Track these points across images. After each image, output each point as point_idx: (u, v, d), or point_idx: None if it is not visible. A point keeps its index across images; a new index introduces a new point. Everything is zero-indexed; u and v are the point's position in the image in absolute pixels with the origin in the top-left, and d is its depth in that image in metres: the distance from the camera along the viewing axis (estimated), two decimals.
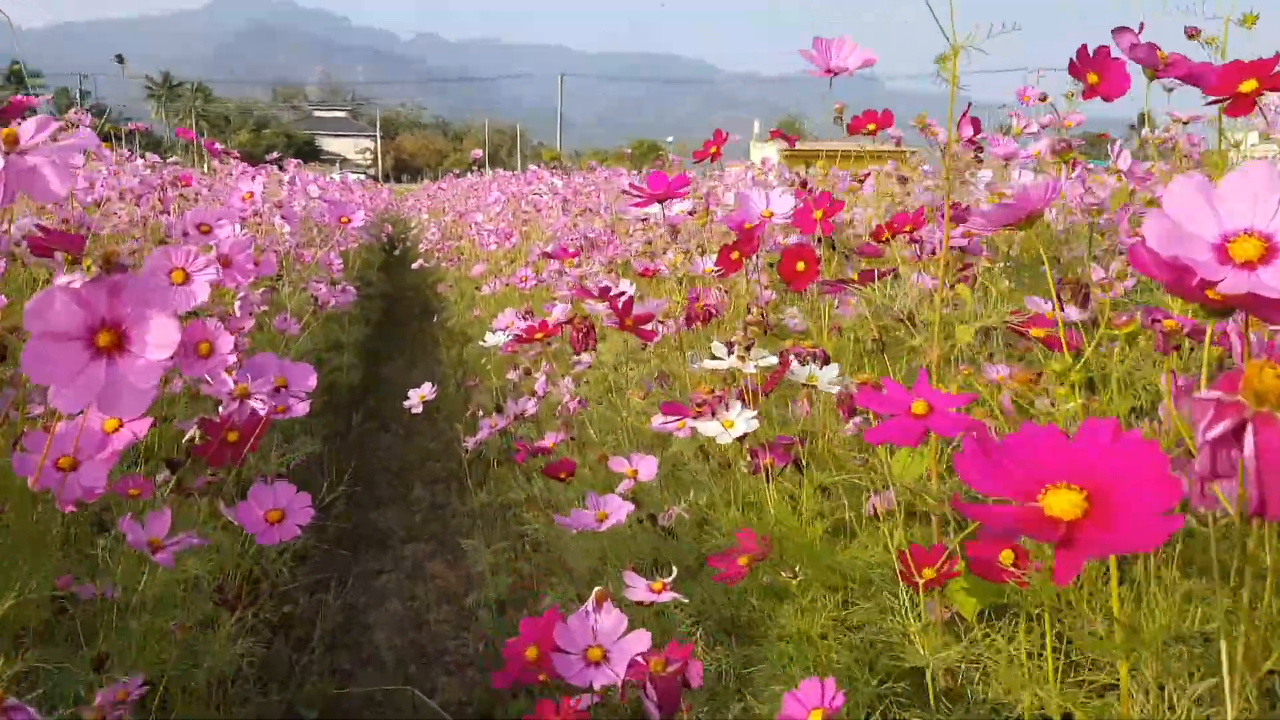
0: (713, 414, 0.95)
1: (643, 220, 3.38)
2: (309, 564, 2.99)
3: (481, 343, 2.45)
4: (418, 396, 2.06)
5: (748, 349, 1.02)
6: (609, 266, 2.70)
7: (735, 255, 1.34)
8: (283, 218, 2.93)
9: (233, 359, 0.99)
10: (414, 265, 6.17)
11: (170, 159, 6.60)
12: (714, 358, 1.05)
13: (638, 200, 1.44)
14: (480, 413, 3.02)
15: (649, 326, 1.48)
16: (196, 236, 2.00)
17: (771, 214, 1.38)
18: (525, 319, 1.95)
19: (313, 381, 1.06)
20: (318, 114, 74.31)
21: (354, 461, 4.02)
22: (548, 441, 1.71)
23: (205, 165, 6.40)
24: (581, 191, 5.09)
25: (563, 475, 1.50)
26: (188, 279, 1.01)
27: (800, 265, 1.29)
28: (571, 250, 2.11)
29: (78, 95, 60.02)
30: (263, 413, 0.97)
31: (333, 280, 3.50)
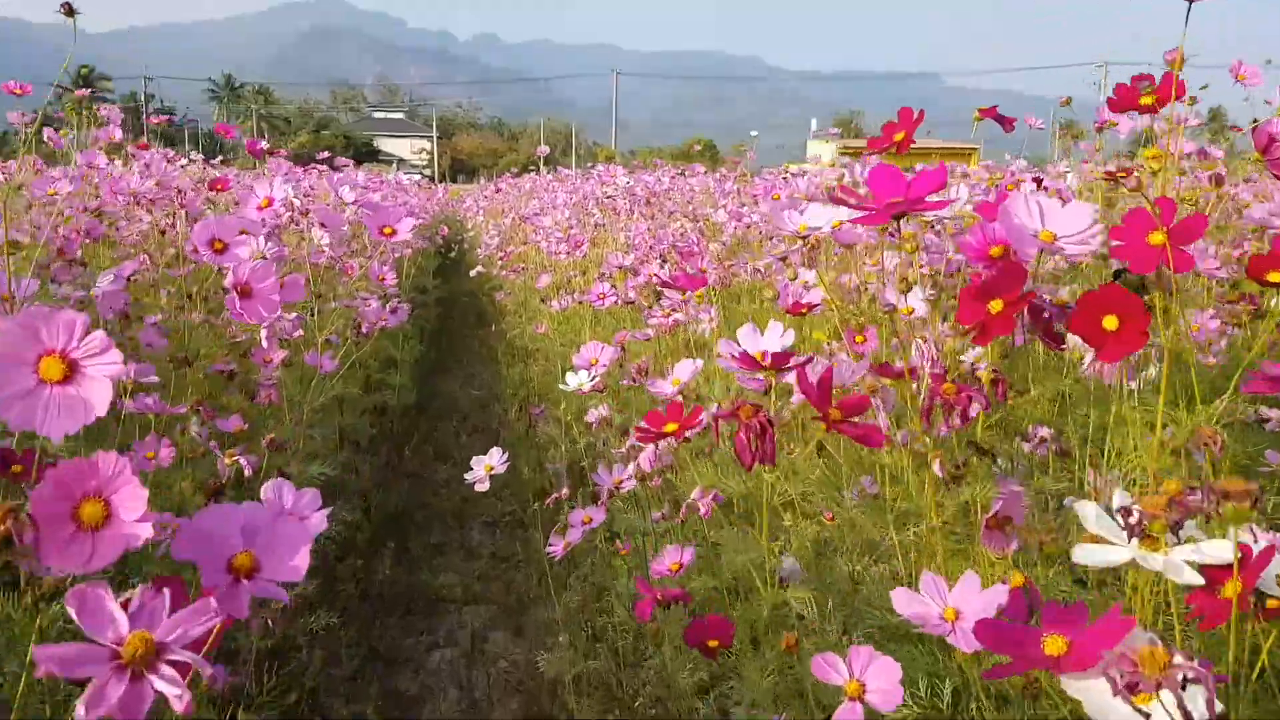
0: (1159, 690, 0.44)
1: (772, 230, 2.86)
2: (350, 630, 2.53)
3: (562, 385, 1.96)
4: (484, 469, 1.57)
5: (1175, 528, 0.51)
6: (709, 293, 2.19)
7: (996, 307, 0.82)
8: (321, 225, 2.46)
9: (146, 531, 0.50)
10: (472, 273, 5.72)
11: (217, 158, 6.24)
12: (1094, 538, 0.54)
13: (866, 214, 0.93)
14: (553, 478, 2.54)
15: (863, 421, 0.95)
16: (209, 255, 1.54)
17: (1054, 236, 0.86)
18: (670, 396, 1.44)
19: (302, 561, 0.56)
20: (376, 115, 74.71)
21: (405, 497, 3.56)
22: (667, 560, 1.21)
23: (264, 167, 6.02)
24: (660, 193, 4.59)
25: (712, 644, 1.00)
26: (71, 373, 0.52)
27: (1111, 321, 0.77)
28: (696, 277, 1.57)
29: (143, 98, 61.23)
30: (181, 706, 0.45)
31: (384, 296, 3.04)
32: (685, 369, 1.29)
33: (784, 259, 1.73)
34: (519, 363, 5.09)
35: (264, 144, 5.63)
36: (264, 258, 2.07)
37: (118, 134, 3.62)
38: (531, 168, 12.51)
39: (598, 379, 1.93)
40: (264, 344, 2.14)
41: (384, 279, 3.22)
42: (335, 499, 2.80)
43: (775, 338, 1.21)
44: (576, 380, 1.94)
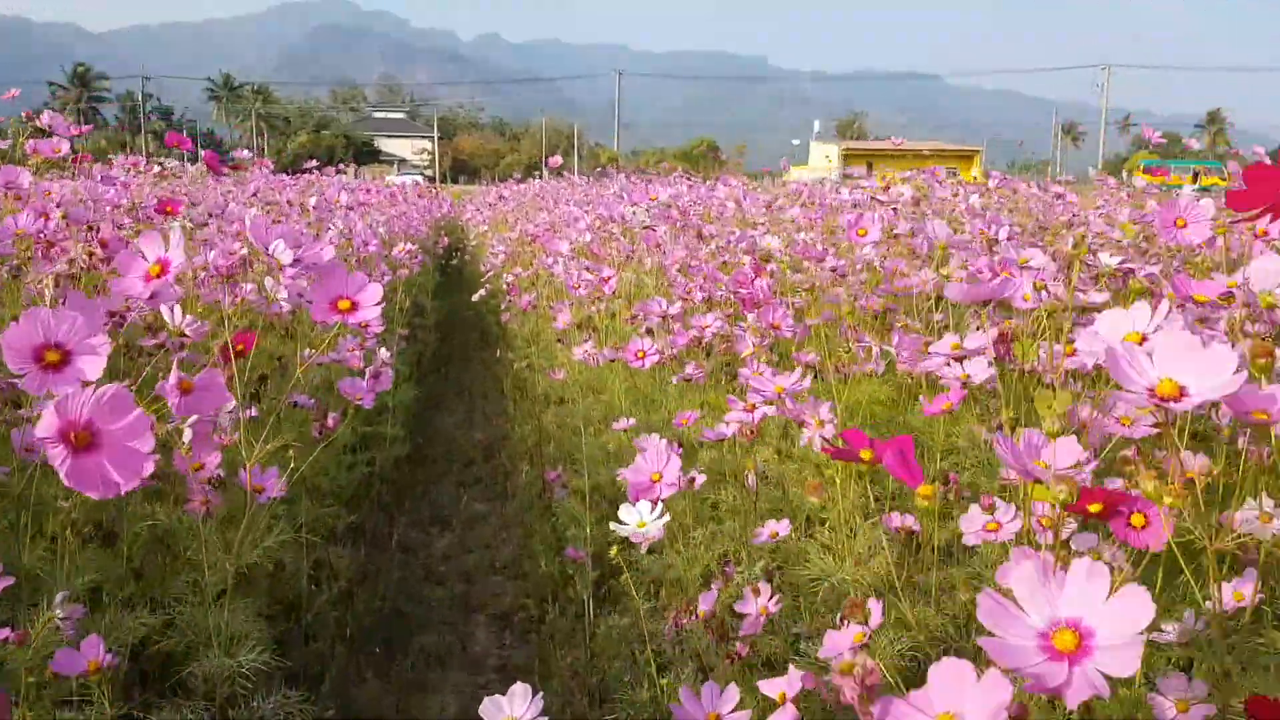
0: None
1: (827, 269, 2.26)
2: None
3: (616, 525, 1.35)
4: None
5: None
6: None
7: None
8: (283, 271, 1.86)
9: None
10: (474, 297, 5.12)
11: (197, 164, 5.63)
12: None
13: None
14: (575, 573, 1.95)
15: None
16: (35, 377, 0.92)
17: None
18: None
19: None
20: (376, 115, 73.88)
21: (395, 585, 2.96)
22: None
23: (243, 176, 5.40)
24: (685, 208, 3.96)
25: None
26: None
27: None
28: (911, 466, 0.94)
29: (140, 97, 60.68)
30: None
31: (366, 357, 2.45)
32: (972, 699, 0.58)
33: (962, 382, 1.11)
34: (526, 400, 4.49)
35: (247, 153, 5.05)
36: (182, 334, 1.48)
37: (64, 147, 2.99)
38: (536, 173, 11.89)
39: (664, 515, 1.33)
40: (187, 447, 1.55)
41: (368, 325, 2.62)
42: (290, 636, 2.19)
43: (1121, 612, 0.59)
44: (634, 518, 1.34)
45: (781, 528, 1.42)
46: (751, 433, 1.48)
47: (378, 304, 1.25)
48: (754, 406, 1.48)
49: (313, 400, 2.43)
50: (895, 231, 2.12)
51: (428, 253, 7.72)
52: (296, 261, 1.31)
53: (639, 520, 1.32)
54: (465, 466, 4.25)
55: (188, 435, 1.55)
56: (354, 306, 1.24)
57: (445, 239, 9.33)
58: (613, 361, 2.53)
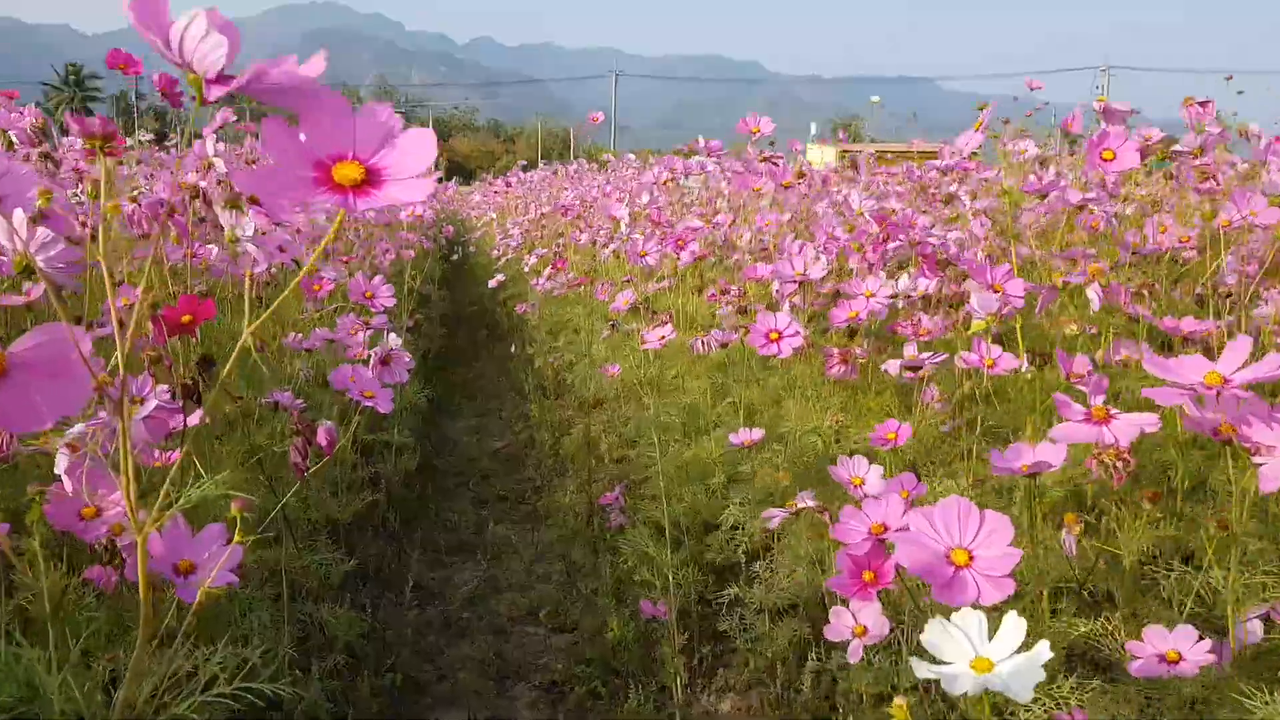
0: None
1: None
2: None
3: (928, 667, 0.65)
4: None
5: None
6: None
7: None
8: (234, 204, 1.17)
9: None
10: (491, 283, 4.43)
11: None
12: None
13: None
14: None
15: None
16: None
17: None
18: None
19: None
20: None
21: (410, 643, 2.26)
22: None
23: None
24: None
25: None
26: None
27: None
28: None
29: (134, 96, 60.01)
30: None
31: (373, 339, 1.77)
32: None
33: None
34: (553, 402, 3.80)
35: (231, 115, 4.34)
36: (27, 266, 0.78)
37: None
38: (557, 164, 11.16)
39: (1032, 649, 0.63)
40: (67, 486, 0.87)
41: (371, 295, 1.94)
42: None
43: None
44: (958, 648, 0.64)
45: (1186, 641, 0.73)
46: (1124, 463, 0.79)
47: (421, 175, 0.54)
48: (1106, 414, 0.80)
49: (300, 401, 1.74)
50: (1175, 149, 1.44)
51: (432, 240, 7.05)
52: (225, 79, 0.60)
53: (971, 655, 0.62)
54: (484, 480, 3.56)
55: (61, 463, 0.87)
56: (371, 176, 0.53)
57: (449, 229, 8.68)
58: (734, 346, 1.83)
